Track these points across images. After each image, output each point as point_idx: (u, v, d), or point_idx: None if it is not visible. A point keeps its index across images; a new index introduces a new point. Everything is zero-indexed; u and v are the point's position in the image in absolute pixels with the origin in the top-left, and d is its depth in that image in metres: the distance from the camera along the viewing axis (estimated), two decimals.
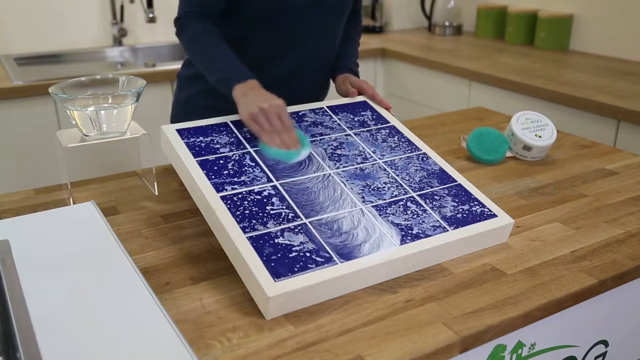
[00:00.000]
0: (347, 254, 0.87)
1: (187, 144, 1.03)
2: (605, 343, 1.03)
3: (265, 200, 0.94)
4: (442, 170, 1.10)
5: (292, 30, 1.27)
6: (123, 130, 1.16)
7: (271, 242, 0.87)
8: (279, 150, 1.05)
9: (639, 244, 1.01)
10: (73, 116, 1.11)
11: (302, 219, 0.92)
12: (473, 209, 1.01)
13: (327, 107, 1.22)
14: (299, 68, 1.31)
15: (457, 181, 1.08)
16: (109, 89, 1.18)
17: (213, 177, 0.97)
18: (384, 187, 1.03)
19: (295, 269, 0.83)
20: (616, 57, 2.39)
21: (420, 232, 0.94)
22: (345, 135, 1.15)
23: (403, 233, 0.93)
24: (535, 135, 1.35)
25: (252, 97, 1.09)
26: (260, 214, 0.91)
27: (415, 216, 0.97)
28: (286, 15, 1.25)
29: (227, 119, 1.12)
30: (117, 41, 2.60)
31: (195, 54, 1.22)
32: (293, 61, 1.30)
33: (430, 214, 0.98)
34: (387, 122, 1.21)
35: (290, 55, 1.29)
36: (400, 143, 1.16)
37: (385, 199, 1.00)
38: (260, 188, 0.97)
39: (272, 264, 0.83)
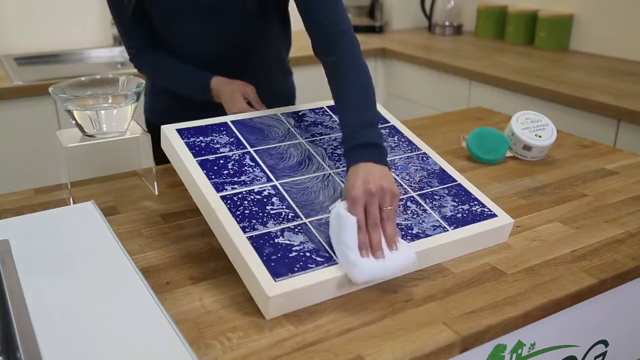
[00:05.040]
0: None
1: (187, 144, 1.03)
2: (605, 343, 1.03)
3: (265, 200, 0.94)
4: (442, 170, 1.10)
5: (183, 33, 1.28)
6: (123, 130, 1.16)
7: (271, 241, 0.87)
8: None
9: (639, 244, 1.01)
10: (73, 116, 1.11)
11: (302, 219, 0.92)
12: (473, 208, 1.01)
13: (327, 107, 1.22)
14: (216, 65, 1.31)
15: (457, 181, 1.08)
16: (109, 89, 1.18)
17: (213, 176, 0.97)
18: None
19: (295, 269, 0.83)
20: (616, 57, 2.39)
21: (420, 231, 0.94)
22: None
23: (403, 233, 0.93)
24: (535, 135, 1.35)
25: (226, 101, 1.21)
26: (260, 214, 0.91)
27: (415, 216, 0.97)
28: (171, 19, 1.27)
29: (227, 119, 1.12)
30: (117, 41, 2.60)
31: (161, 82, 1.39)
32: (207, 62, 1.31)
33: (430, 213, 0.98)
34: (387, 122, 1.21)
35: (201, 56, 1.31)
36: (400, 143, 1.16)
37: None
38: (260, 188, 0.97)
39: (272, 264, 0.83)
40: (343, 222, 0.86)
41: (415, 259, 0.87)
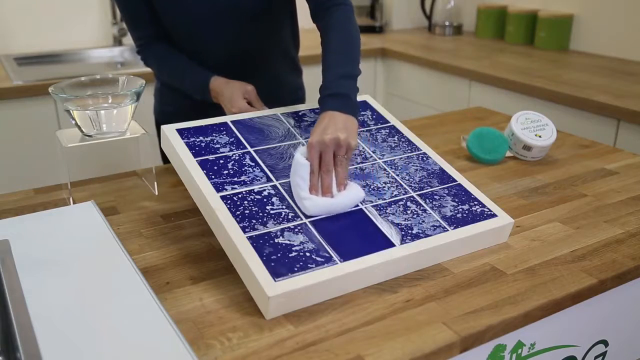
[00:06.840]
0: (347, 254, 0.87)
1: (187, 144, 1.03)
2: (605, 343, 1.03)
3: (265, 200, 0.94)
4: (442, 170, 1.10)
5: (198, 36, 1.29)
6: (123, 130, 1.16)
7: (271, 241, 0.87)
8: None
9: (639, 244, 1.01)
10: (73, 116, 1.11)
11: (302, 219, 0.92)
12: (473, 208, 1.01)
13: None
14: (222, 66, 1.32)
15: (457, 181, 1.08)
16: (109, 89, 1.18)
17: (213, 176, 0.97)
18: (384, 186, 1.03)
19: (295, 269, 0.83)
20: (616, 57, 2.39)
21: (420, 231, 0.94)
22: None
23: (403, 233, 0.93)
24: (535, 135, 1.35)
25: (226, 102, 1.21)
26: (260, 214, 0.91)
27: (415, 216, 0.97)
28: (186, 21, 1.27)
29: (227, 119, 1.12)
30: (117, 41, 2.60)
31: (165, 79, 1.39)
32: (214, 62, 1.31)
33: (430, 213, 0.98)
34: (387, 122, 1.21)
35: (208, 56, 1.31)
36: (400, 143, 1.16)
37: (385, 199, 1.00)
38: (260, 188, 0.97)
39: (272, 264, 0.83)
40: (297, 167, 0.96)
41: (362, 195, 0.97)
